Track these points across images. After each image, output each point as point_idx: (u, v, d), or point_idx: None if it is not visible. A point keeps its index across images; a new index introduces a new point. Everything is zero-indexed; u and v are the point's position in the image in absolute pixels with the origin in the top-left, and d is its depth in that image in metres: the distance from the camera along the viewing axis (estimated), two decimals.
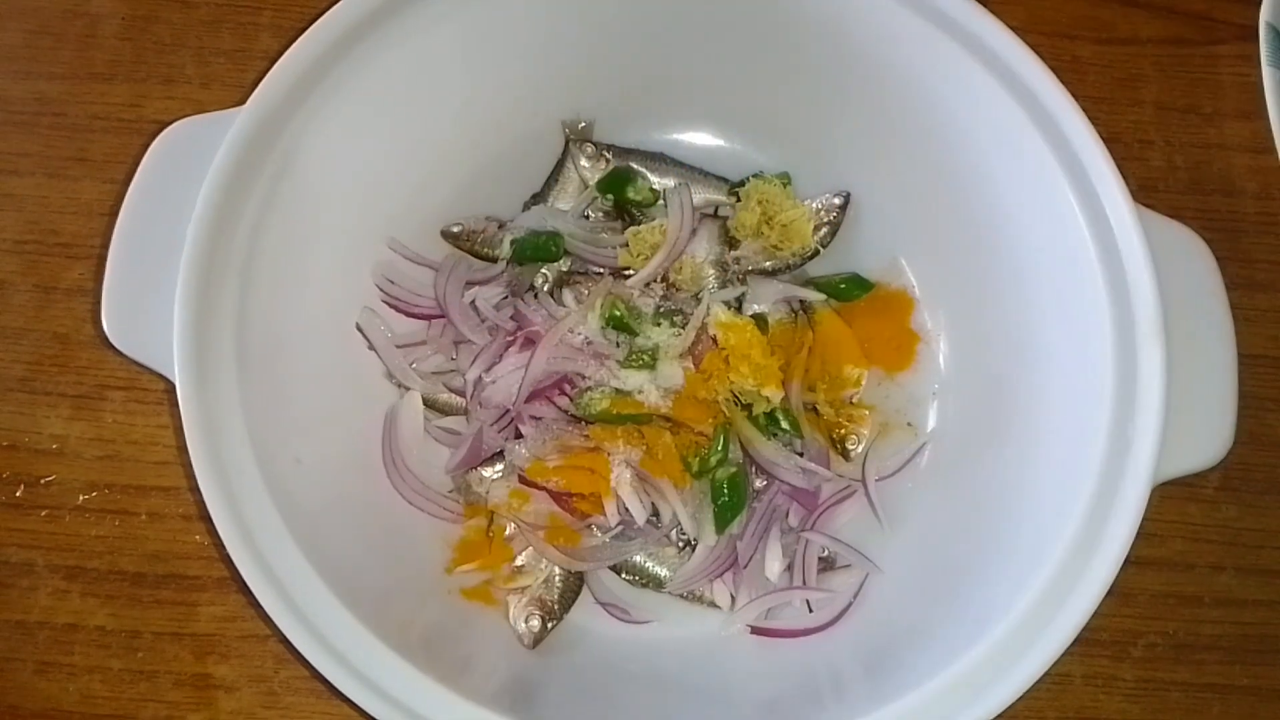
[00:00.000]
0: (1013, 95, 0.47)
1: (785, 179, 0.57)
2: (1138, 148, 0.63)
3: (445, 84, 0.52)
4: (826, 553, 0.54)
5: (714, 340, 0.53)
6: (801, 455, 0.54)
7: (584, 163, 0.57)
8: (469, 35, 0.51)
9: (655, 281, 0.56)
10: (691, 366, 0.52)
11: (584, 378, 0.53)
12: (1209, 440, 0.45)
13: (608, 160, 0.57)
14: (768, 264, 0.57)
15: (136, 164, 0.46)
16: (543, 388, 0.53)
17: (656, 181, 0.58)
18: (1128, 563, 0.42)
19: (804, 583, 0.53)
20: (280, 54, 0.46)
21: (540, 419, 0.53)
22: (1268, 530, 0.58)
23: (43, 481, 0.56)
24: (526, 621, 0.51)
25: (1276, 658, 0.56)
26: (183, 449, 0.43)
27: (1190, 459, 0.45)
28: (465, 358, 0.55)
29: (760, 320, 0.54)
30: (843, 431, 0.55)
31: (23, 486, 0.56)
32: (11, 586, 0.55)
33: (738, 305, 0.56)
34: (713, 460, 0.51)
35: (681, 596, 0.54)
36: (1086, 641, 0.43)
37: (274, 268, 0.47)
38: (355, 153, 0.50)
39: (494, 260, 0.56)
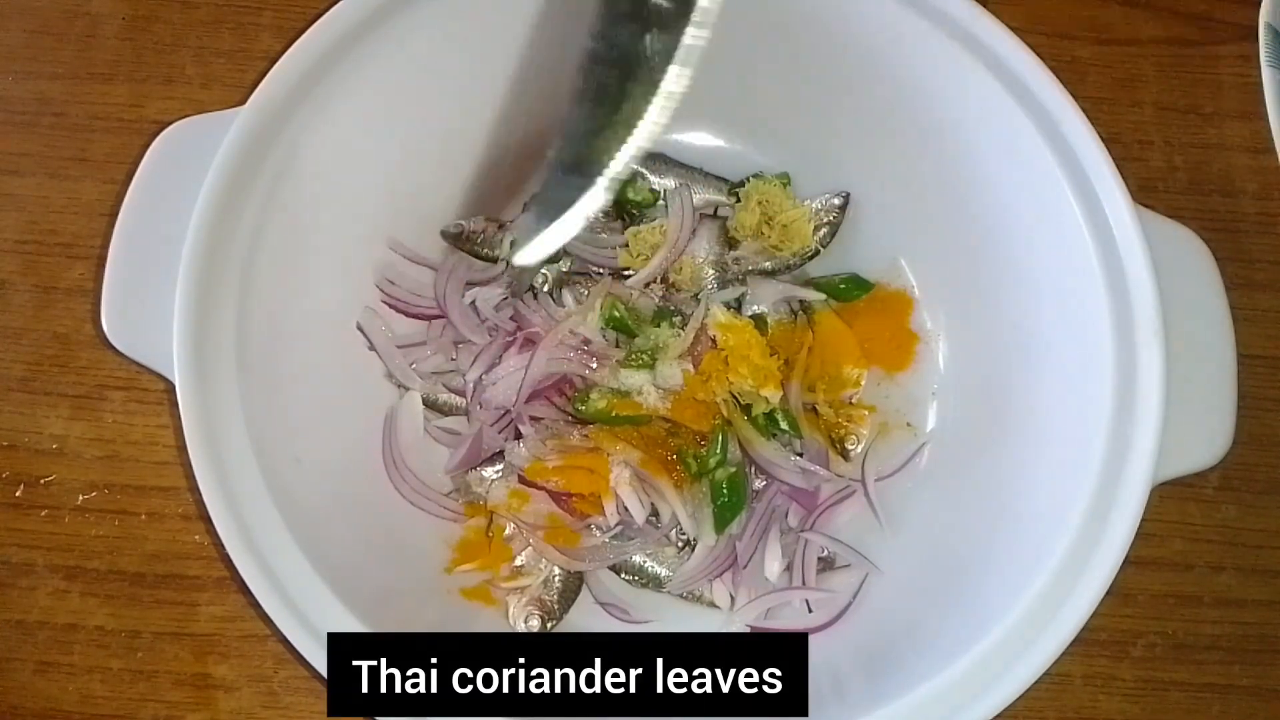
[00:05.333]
0: (1013, 96, 0.47)
1: (785, 179, 0.57)
2: (1138, 148, 0.63)
3: (445, 84, 0.52)
4: (826, 553, 0.54)
5: (713, 341, 0.53)
6: (801, 455, 0.54)
7: None
8: (469, 35, 0.51)
9: (655, 282, 0.56)
10: (691, 367, 0.52)
11: (584, 378, 0.53)
12: (1209, 440, 0.45)
13: None
14: (767, 264, 0.57)
15: (137, 164, 0.46)
16: (542, 388, 0.53)
17: (656, 181, 0.58)
18: (1127, 563, 0.42)
19: (803, 583, 0.53)
20: (281, 54, 0.46)
21: (540, 419, 0.53)
22: (1268, 530, 0.58)
23: (43, 481, 0.56)
24: (526, 621, 0.51)
25: (1276, 658, 0.56)
26: (183, 449, 0.43)
27: (1190, 459, 0.45)
28: (465, 358, 0.55)
29: (759, 321, 0.55)
30: (842, 432, 0.55)
31: (23, 486, 0.56)
32: (11, 586, 0.55)
33: (737, 306, 0.56)
34: (712, 461, 0.51)
35: (681, 596, 0.53)
36: (1086, 641, 0.43)
37: (274, 267, 0.47)
38: (355, 153, 0.50)
39: (494, 261, 0.56)
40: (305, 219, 0.49)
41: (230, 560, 0.42)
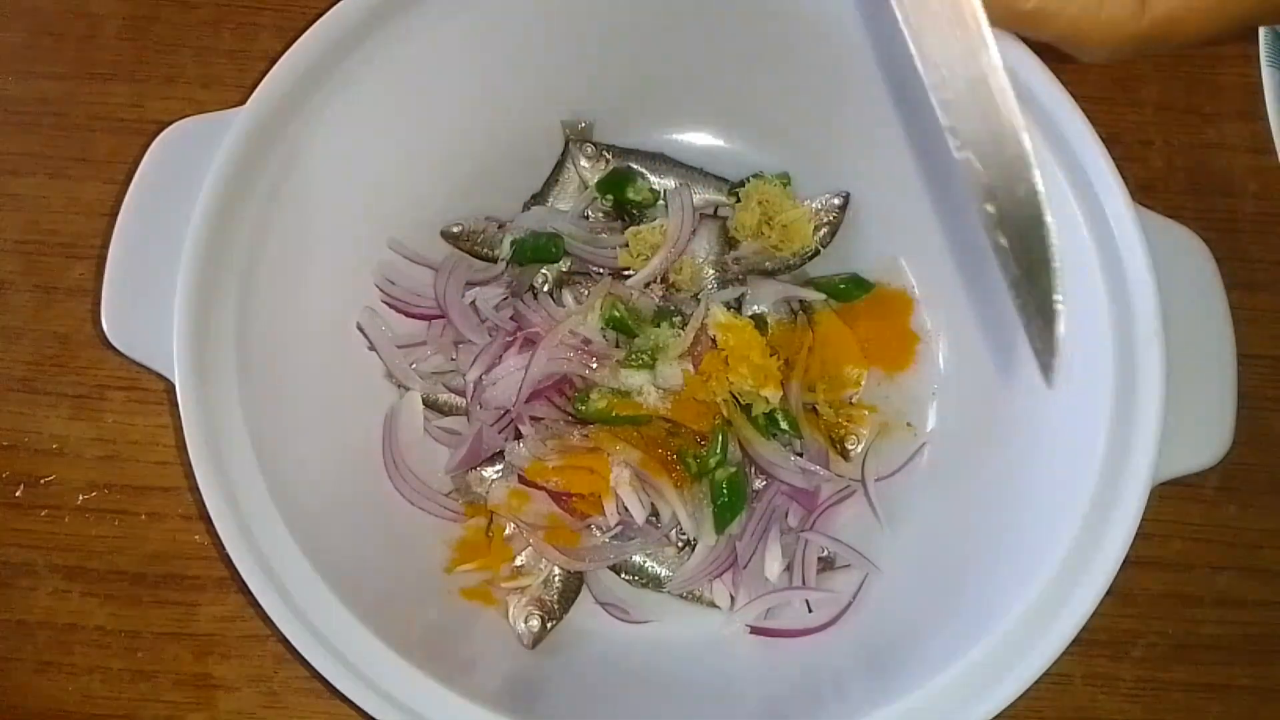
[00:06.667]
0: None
1: (785, 179, 0.57)
2: (1138, 148, 0.63)
3: (446, 84, 0.52)
4: (826, 553, 0.54)
5: (713, 341, 0.53)
6: (801, 455, 0.54)
7: (584, 163, 0.57)
8: (469, 35, 0.51)
9: (655, 282, 0.56)
10: (691, 367, 0.52)
11: (584, 378, 0.53)
12: (1209, 440, 0.45)
13: (608, 160, 0.57)
14: (767, 264, 0.57)
15: (137, 164, 0.46)
16: (542, 388, 0.53)
17: (656, 182, 0.58)
18: (1128, 563, 0.42)
19: (804, 583, 0.53)
20: (281, 54, 0.46)
21: (540, 419, 0.53)
22: (1268, 530, 0.58)
23: (43, 481, 0.56)
24: (526, 621, 0.51)
25: (1276, 658, 0.56)
26: (183, 449, 0.43)
27: (1190, 459, 0.45)
28: (465, 358, 0.55)
29: (760, 320, 0.55)
30: (842, 432, 0.55)
31: (23, 486, 0.56)
32: (11, 586, 0.55)
33: (737, 305, 0.56)
34: (712, 461, 0.51)
35: (681, 596, 0.54)
36: (1086, 641, 0.43)
37: (274, 268, 0.47)
38: (356, 153, 0.50)
39: (494, 261, 0.56)
40: (305, 219, 0.49)
41: (230, 560, 0.42)
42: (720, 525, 0.52)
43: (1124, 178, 0.45)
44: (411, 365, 0.55)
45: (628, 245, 0.56)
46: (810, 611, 0.53)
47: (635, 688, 0.51)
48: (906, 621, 0.50)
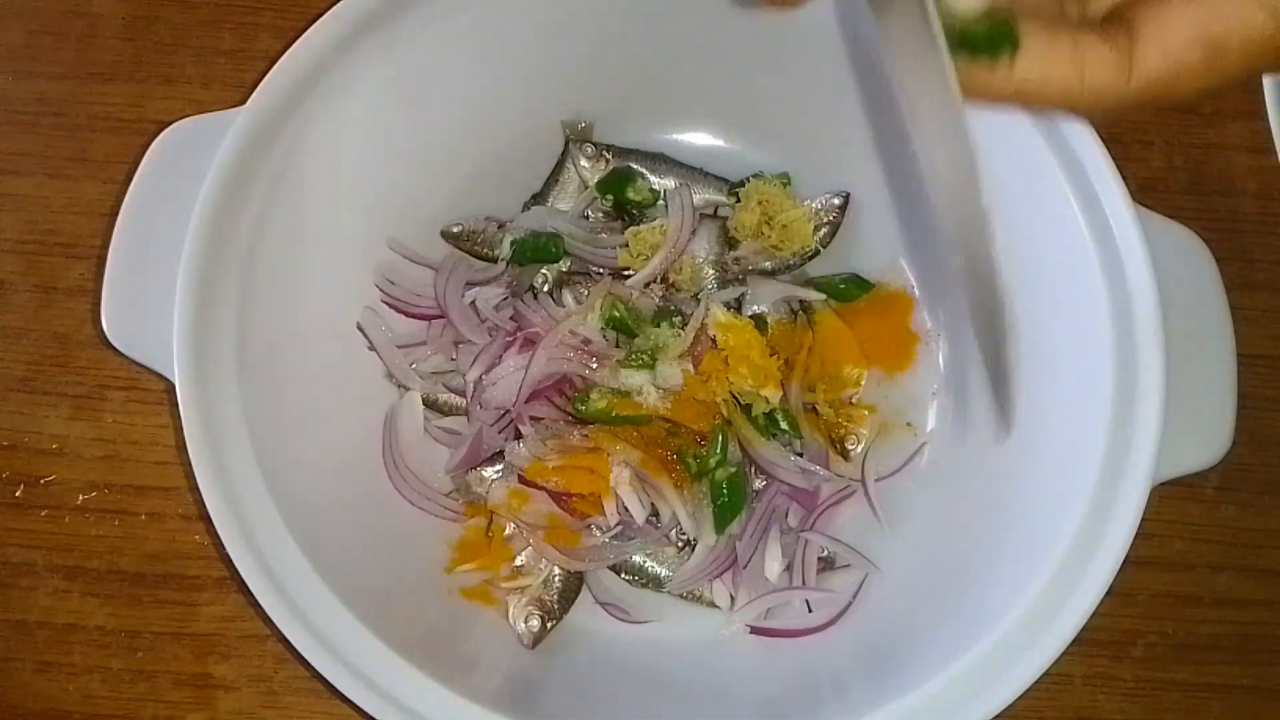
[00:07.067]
0: None
1: (785, 179, 0.57)
2: (1138, 148, 0.63)
3: (445, 84, 0.52)
4: (826, 553, 0.54)
5: (713, 341, 0.53)
6: (801, 455, 0.54)
7: (584, 163, 0.57)
8: (469, 36, 0.51)
9: (655, 282, 0.56)
10: (691, 367, 0.52)
11: (584, 378, 0.53)
12: (1209, 440, 0.45)
13: (608, 160, 0.57)
14: (767, 264, 0.57)
15: (137, 164, 0.46)
16: (542, 388, 0.53)
17: (656, 182, 0.58)
18: (1128, 563, 0.42)
19: (803, 583, 0.53)
20: (281, 54, 0.46)
21: (540, 419, 0.53)
22: (1268, 530, 0.58)
23: (43, 481, 0.56)
24: (526, 621, 0.51)
25: (1276, 658, 0.56)
26: (183, 449, 0.43)
27: (1190, 459, 0.45)
28: (465, 358, 0.55)
29: (759, 320, 0.55)
30: (842, 432, 0.55)
31: (23, 486, 0.56)
32: (11, 586, 0.55)
33: (737, 305, 0.56)
34: (712, 461, 0.51)
35: (681, 596, 0.54)
36: (1086, 641, 0.43)
37: (274, 268, 0.47)
38: (355, 153, 0.50)
39: (494, 261, 0.56)
40: (305, 219, 0.49)
41: (230, 560, 0.42)
42: (720, 525, 0.52)
43: (1124, 178, 0.45)
44: (411, 365, 0.55)
45: (628, 245, 0.56)
46: (810, 611, 0.53)
47: (635, 688, 0.51)
48: (906, 621, 0.50)
